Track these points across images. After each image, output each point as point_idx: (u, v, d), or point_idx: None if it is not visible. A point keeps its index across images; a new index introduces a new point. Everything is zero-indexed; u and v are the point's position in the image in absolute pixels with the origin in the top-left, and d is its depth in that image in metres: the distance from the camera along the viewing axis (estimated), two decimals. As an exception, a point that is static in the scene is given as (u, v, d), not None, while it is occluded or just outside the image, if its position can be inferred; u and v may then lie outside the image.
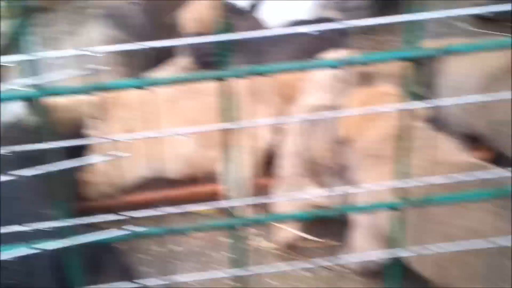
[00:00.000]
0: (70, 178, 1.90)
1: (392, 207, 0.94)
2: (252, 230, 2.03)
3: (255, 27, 2.76)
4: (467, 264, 1.48)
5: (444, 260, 1.50)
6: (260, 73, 0.82)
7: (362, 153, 1.79)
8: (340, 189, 1.88)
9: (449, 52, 0.85)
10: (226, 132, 0.85)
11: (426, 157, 1.57)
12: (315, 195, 1.88)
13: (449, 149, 1.70)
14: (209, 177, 2.25)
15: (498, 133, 1.95)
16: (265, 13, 2.98)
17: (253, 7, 2.94)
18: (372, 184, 1.68)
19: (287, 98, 2.29)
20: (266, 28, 2.81)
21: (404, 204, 0.94)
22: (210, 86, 2.12)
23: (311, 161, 2.01)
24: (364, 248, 1.84)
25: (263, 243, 2.00)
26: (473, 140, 2.06)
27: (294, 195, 1.88)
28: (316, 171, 2.00)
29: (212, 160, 2.21)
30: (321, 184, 1.99)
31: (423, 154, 1.58)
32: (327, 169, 1.95)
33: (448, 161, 1.62)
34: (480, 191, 0.96)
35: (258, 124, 2.13)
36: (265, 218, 0.93)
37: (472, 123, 2.02)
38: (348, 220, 1.90)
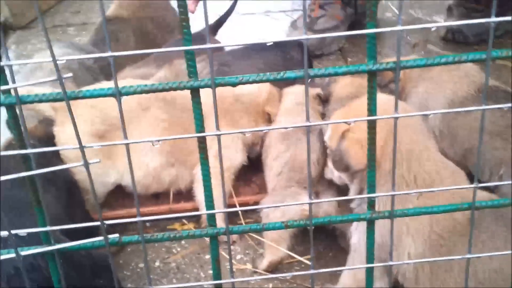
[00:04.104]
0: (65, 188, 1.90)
1: (364, 219, 1.00)
2: (239, 255, 2.03)
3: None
4: None
5: None
6: (231, 84, 0.91)
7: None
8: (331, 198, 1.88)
9: (406, 66, 0.88)
10: (197, 147, 0.91)
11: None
12: (304, 203, 1.83)
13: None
14: (179, 195, 2.23)
15: (465, 160, 1.97)
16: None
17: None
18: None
19: (254, 119, 2.26)
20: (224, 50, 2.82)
21: (375, 217, 0.99)
22: (185, 102, 2.07)
23: (300, 172, 1.99)
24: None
25: (249, 266, 1.97)
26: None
27: (287, 202, 1.89)
28: (305, 181, 1.96)
29: (176, 179, 2.17)
30: (314, 195, 1.93)
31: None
32: (318, 179, 1.91)
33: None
34: (450, 205, 0.99)
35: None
36: (247, 228, 1.01)
37: (442, 148, 2.02)
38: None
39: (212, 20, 2.99)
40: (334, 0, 3.34)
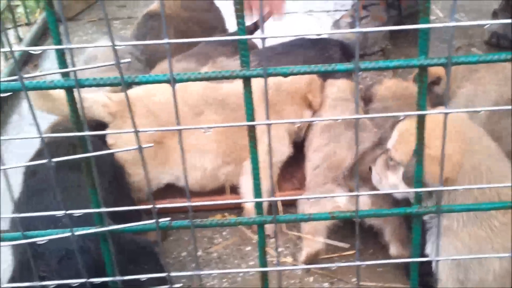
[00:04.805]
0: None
1: (410, 213, 1.00)
2: (279, 248, 2.04)
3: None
4: None
5: None
6: (283, 74, 0.92)
7: None
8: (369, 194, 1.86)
9: (458, 62, 0.89)
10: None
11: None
12: (343, 199, 1.90)
13: None
14: (231, 191, 2.25)
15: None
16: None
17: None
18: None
19: (297, 107, 2.27)
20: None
21: (422, 211, 1.00)
22: (236, 101, 2.14)
23: (336, 169, 2.00)
24: None
25: (289, 259, 2.01)
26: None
27: (323, 199, 1.89)
28: (345, 178, 1.98)
29: (232, 175, 2.20)
30: (351, 191, 1.94)
31: None
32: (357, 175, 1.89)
33: None
34: (493, 203, 0.99)
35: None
36: (293, 218, 1.02)
37: None
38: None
39: (251, 20, 3.00)
40: (378, 1, 3.32)
